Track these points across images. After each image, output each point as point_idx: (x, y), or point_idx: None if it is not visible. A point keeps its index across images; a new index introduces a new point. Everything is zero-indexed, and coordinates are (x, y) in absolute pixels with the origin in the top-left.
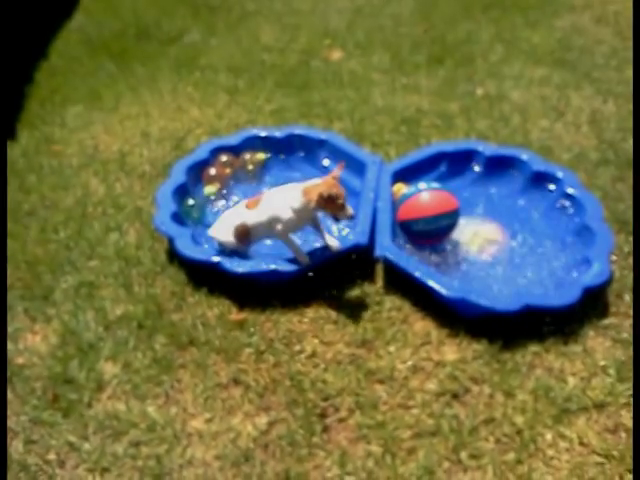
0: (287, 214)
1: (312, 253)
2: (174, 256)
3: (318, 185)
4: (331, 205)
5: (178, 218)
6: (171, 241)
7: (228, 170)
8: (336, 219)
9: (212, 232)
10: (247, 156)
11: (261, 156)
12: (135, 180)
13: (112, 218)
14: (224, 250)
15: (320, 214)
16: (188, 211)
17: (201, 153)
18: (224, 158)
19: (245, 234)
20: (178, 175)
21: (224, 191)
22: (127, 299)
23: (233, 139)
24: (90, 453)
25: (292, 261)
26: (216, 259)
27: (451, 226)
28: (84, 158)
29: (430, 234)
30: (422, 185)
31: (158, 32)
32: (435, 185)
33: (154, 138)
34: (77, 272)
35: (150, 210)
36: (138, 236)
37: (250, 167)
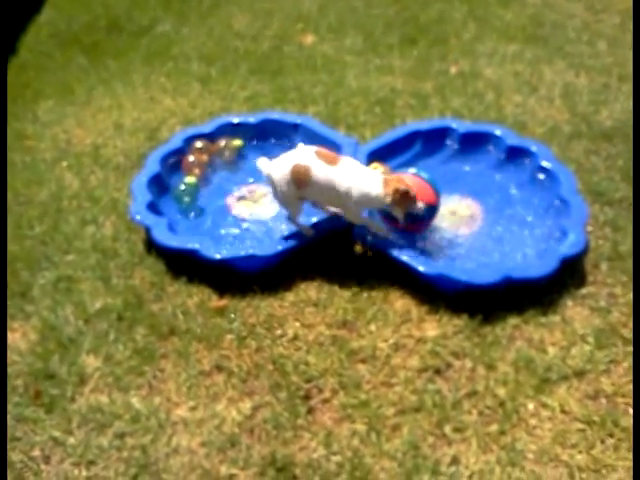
0: (359, 200)
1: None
2: (152, 246)
3: (394, 179)
4: (403, 202)
5: (154, 208)
6: (148, 231)
7: (205, 157)
8: (401, 217)
9: (264, 165)
10: (222, 142)
11: (237, 143)
12: (110, 172)
13: (88, 211)
14: (277, 193)
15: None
16: (179, 196)
17: (175, 142)
18: (199, 145)
19: (304, 181)
20: (153, 165)
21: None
22: (106, 292)
23: (207, 127)
24: (75, 447)
25: (270, 245)
26: (194, 246)
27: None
28: (57, 152)
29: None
30: (412, 170)
31: (129, 24)
32: (424, 175)
33: (127, 130)
34: (54, 267)
35: (126, 202)
36: (114, 228)
37: (226, 153)
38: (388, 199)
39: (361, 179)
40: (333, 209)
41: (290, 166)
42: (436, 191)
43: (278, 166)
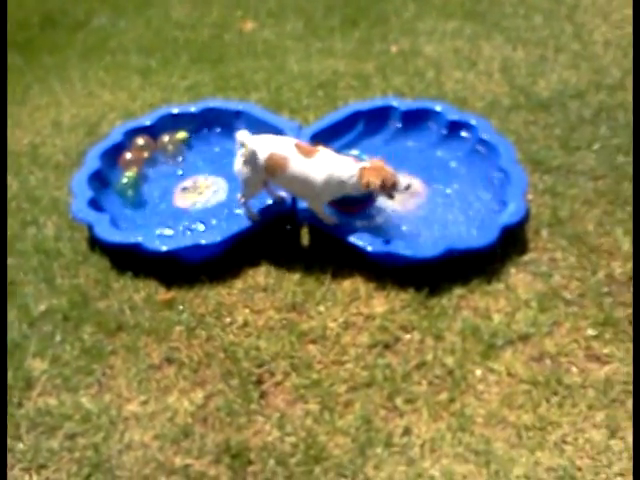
0: (331, 189)
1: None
2: (95, 244)
3: (371, 169)
4: (388, 189)
5: (95, 205)
6: (90, 228)
7: (145, 153)
8: (390, 196)
9: (244, 137)
10: (166, 138)
11: (181, 135)
12: (49, 171)
13: (28, 212)
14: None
15: None
16: (123, 189)
17: (115, 137)
18: (140, 141)
19: (278, 170)
20: (92, 161)
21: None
22: (50, 293)
23: (147, 119)
24: (24, 452)
25: (215, 234)
26: (137, 239)
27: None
28: None
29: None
30: (354, 152)
31: (64, 18)
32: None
33: (66, 127)
34: None
35: (67, 200)
36: (56, 228)
37: (170, 147)
38: (377, 191)
39: (338, 170)
40: (282, 194)
41: (268, 152)
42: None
43: (257, 146)
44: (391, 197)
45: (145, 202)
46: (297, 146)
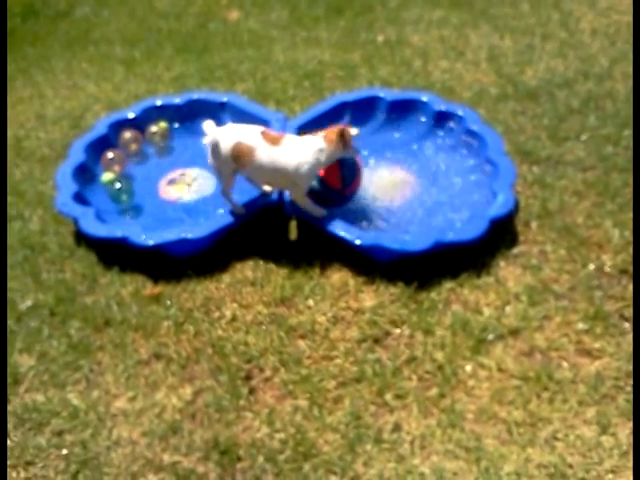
0: (310, 168)
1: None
2: (81, 238)
3: (328, 132)
4: (348, 141)
5: (80, 198)
6: (76, 222)
7: (134, 146)
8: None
9: (209, 128)
10: (153, 129)
11: (163, 125)
12: (34, 165)
13: (13, 206)
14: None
15: None
16: (116, 195)
17: (100, 129)
18: (128, 135)
19: (244, 159)
20: (77, 154)
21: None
22: (36, 288)
23: (132, 111)
24: (12, 449)
25: (202, 228)
26: (123, 233)
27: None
28: None
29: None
30: None
31: (46, 8)
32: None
33: (50, 119)
34: None
35: (52, 194)
36: (42, 222)
37: (157, 139)
38: (339, 146)
39: (305, 149)
40: (267, 187)
41: (233, 142)
42: (345, 176)
43: (222, 136)
44: (350, 148)
45: (140, 206)
46: (263, 134)
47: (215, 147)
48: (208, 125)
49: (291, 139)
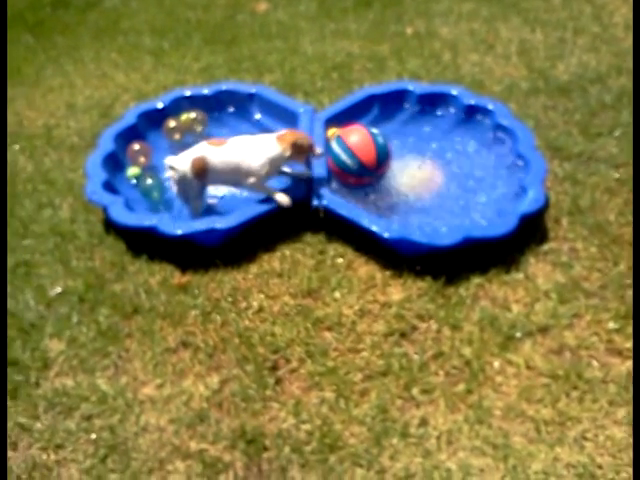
0: (263, 163)
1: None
2: (110, 226)
3: (287, 134)
4: (300, 152)
5: (110, 187)
6: (105, 210)
7: (177, 136)
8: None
9: (171, 161)
10: (193, 115)
11: (190, 116)
12: (64, 153)
13: (43, 194)
14: (181, 188)
15: None
16: (148, 191)
17: (129, 119)
18: (172, 124)
19: (203, 169)
20: (106, 143)
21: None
22: (66, 274)
23: (161, 102)
24: (42, 432)
25: (231, 218)
26: (152, 222)
27: (361, 173)
28: (9, 135)
29: (346, 169)
30: (374, 129)
31: None
32: (379, 138)
33: (80, 108)
34: (12, 252)
35: (82, 182)
36: (72, 210)
37: (199, 128)
38: (287, 153)
39: (259, 147)
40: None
41: (189, 161)
42: (380, 153)
43: (178, 163)
44: (305, 160)
45: (171, 199)
46: (209, 142)
47: (181, 175)
48: (170, 159)
49: (236, 139)
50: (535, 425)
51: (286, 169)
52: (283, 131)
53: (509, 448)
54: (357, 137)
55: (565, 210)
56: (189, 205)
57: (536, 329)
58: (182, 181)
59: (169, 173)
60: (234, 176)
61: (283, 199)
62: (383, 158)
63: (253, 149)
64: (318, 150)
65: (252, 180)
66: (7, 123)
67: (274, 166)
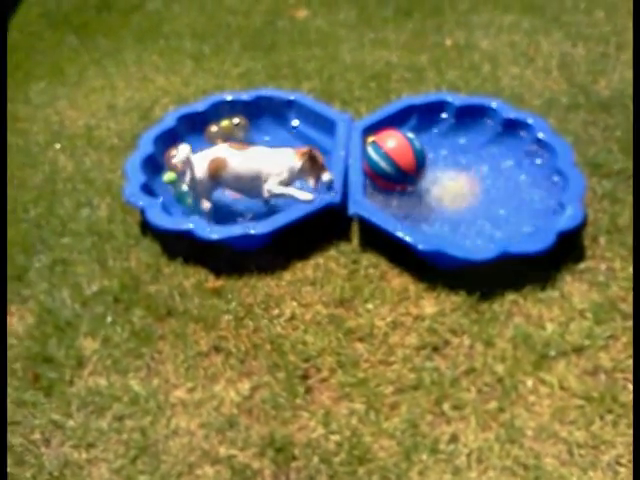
0: (281, 171)
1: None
2: (147, 228)
3: (305, 149)
4: (314, 164)
5: (148, 189)
6: (143, 212)
7: (219, 141)
8: (315, 183)
9: (188, 151)
10: (236, 120)
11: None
12: (104, 154)
13: (82, 193)
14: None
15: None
16: (182, 197)
17: (168, 122)
18: (214, 129)
19: (220, 170)
20: (146, 146)
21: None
22: (102, 274)
23: (200, 106)
24: (75, 430)
25: (266, 224)
26: (189, 226)
27: (399, 179)
28: (50, 135)
29: (384, 175)
30: (410, 134)
31: (119, 1)
32: (416, 142)
33: (120, 110)
34: (50, 250)
35: (120, 183)
36: (110, 210)
37: (241, 134)
38: (301, 164)
39: (279, 156)
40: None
41: (207, 161)
42: (418, 158)
43: (198, 156)
44: (315, 184)
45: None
46: (231, 145)
47: (194, 172)
48: (184, 148)
49: (258, 147)
50: (568, 447)
51: (293, 191)
52: (303, 148)
53: (540, 470)
54: (394, 142)
55: (603, 229)
56: (198, 198)
57: (571, 349)
58: (193, 178)
59: (178, 158)
60: (252, 182)
61: (305, 195)
62: (422, 162)
63: (273, 157)
64: (328, 175)
65: (272, 181)
66: (49, 122)
67: (290, 177)
